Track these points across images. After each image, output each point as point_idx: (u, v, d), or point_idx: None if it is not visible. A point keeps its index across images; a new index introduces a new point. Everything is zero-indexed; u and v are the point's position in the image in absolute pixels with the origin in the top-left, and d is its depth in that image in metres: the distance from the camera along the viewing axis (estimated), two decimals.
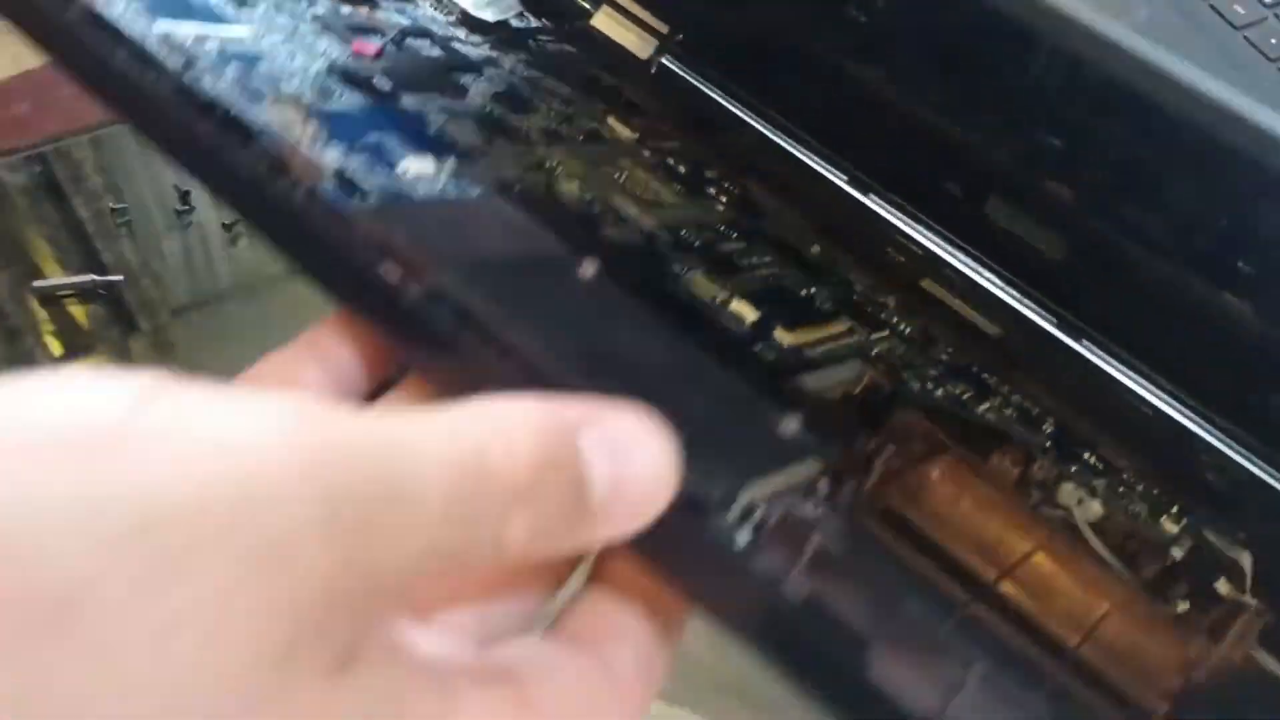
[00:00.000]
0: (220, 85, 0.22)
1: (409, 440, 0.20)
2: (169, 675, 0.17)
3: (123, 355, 0.62)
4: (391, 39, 0.29)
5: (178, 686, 0.17)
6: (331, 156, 0.22)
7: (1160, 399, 0.29)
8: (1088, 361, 0.30)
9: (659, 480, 0.21)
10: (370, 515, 0.18)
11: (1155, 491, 0.28)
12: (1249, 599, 0.25)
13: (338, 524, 0.18)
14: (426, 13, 0.33)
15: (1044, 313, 0.31)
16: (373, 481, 0.19)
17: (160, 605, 0.17)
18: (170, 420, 0.18)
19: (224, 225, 0.64)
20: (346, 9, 0.30)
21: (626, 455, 0.21)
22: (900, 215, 0.32)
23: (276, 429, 0.18)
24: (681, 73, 0.34)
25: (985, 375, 0.30)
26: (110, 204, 0.65)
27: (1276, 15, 0.48)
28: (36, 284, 0.63)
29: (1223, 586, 0.25)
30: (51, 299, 0.63)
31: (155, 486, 0.17)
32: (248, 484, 0.18)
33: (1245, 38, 0.47)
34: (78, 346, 0.62)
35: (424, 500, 0.19)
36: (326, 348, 0.25)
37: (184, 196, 0.66)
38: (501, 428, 0.20)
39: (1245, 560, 0.26)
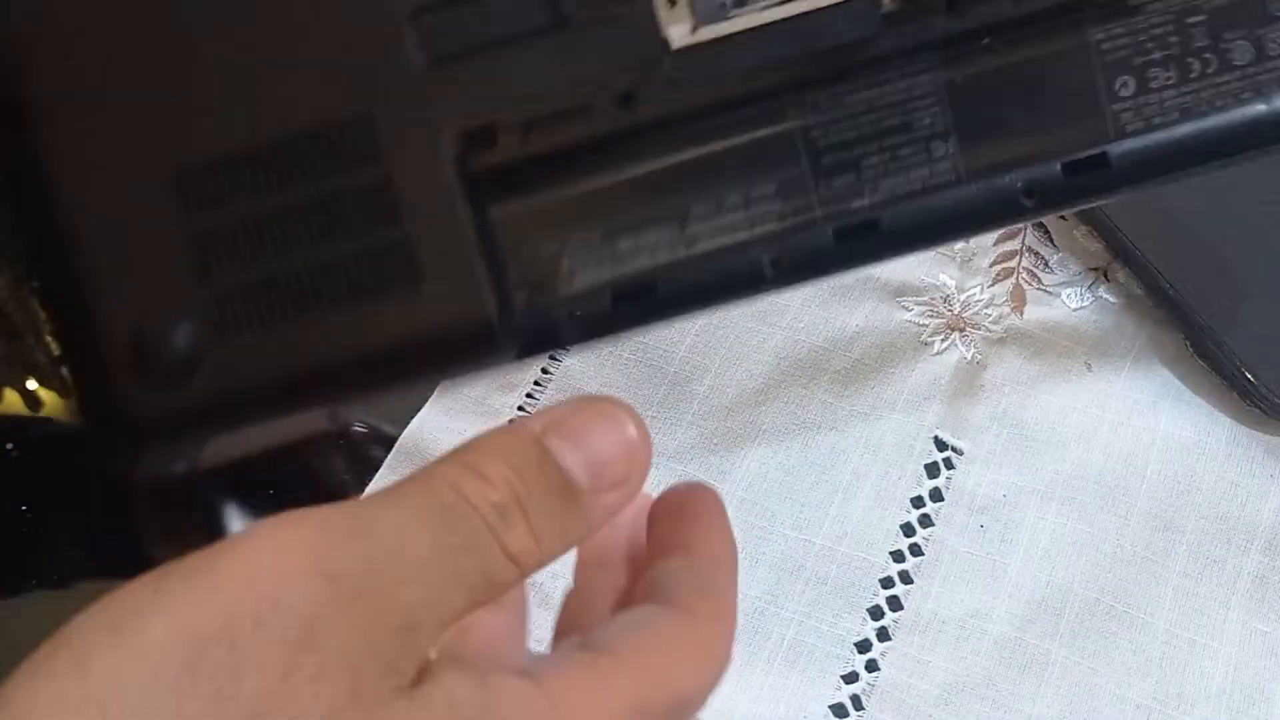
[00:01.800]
0: None
1: (384, 503, 0.22)
2: None
3: None
4: None
5: None
6: None
7: None
8: None
9: (630, 447, 0.24)
10: (367, 574, 0.21)
11: None
12: None
13: (343, 591, 0.20)
14: None
15: None
16: (360, 547, 0.21)
17: (232, 712, 0.19)
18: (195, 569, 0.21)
19: None
20: None
21: (589, 440, 0.23)
22: None
23: (269, 546, 0.21)
24: None
25: None
26: None
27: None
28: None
29: None
30: None
31: (190, 623, 0.20)
32: (260, 588, 0.20)
33: None
34: None
35: (411, 544, 0.21)
36: None
37: None
38: (469, 461, 0.22)
39: None
